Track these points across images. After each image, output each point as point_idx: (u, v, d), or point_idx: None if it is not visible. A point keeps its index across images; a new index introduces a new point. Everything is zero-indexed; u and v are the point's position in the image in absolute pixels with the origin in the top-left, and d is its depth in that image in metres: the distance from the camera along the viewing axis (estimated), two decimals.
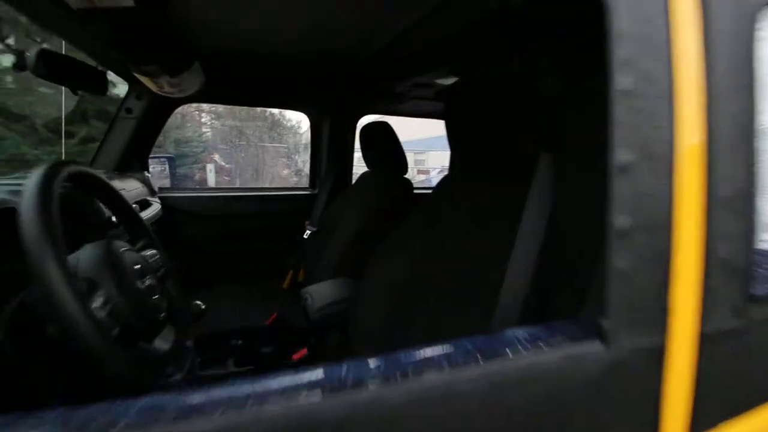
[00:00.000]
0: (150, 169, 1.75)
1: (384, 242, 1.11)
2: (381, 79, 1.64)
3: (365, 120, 1.83)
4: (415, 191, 1.58)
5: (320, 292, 1.26)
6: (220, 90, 1.70)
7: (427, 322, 0.86)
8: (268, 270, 1.96)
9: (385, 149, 1.57)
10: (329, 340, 1.19)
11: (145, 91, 1.55)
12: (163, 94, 1.44)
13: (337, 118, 1.98)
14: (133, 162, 1.66)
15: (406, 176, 1.61)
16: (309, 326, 1.16)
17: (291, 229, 2.00)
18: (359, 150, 1.79)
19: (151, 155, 1.77)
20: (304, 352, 1.16)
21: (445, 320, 0.81)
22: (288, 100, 1.94)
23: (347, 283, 1.35)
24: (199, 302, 1.13)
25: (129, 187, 1.45)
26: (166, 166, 1.87)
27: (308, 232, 1.88)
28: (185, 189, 1.88)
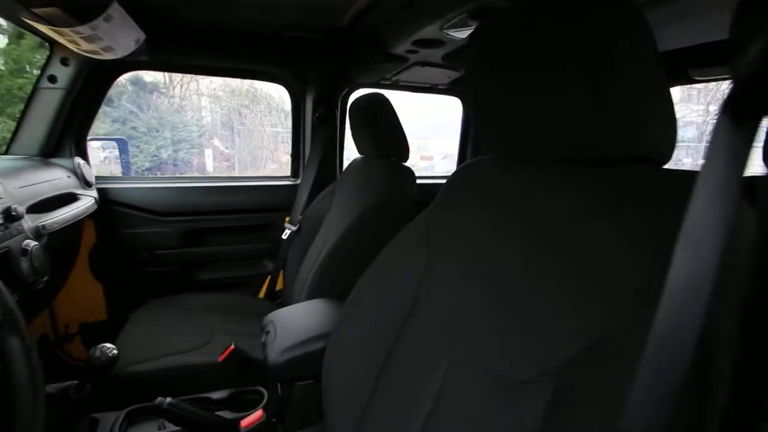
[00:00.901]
0: (95, 154, 1.43)
1: (379, 256, 0.77)
2: (373, 39, 1.27)
3: (356, 95, 1.46)
4: (419, 181, 1.23)
5: (287, 325, 0.93)
6: (172, 54, 1.34)
7: (434, 401, 0.53)
8: (240, 277, 1.64)
9: (381, 129, 1.21)
10: (295, 392, 0.87)
11: (72, 55, 1.21)
12: (83, 54, 1.10)
13: (322, 91, 1.61)
14: (65, 145, 1.33)
15: (406, 164, 1.26)
16: (269, 372, 0.84)
17: (269, 226, 1.67)
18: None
19: (93, 137, 1.44)
20: (258, 417, 0.84)
21: (472, 404, 0.48)
22: (261, 69, 1.58)
23: (328, 308, 1.02)
24: (110, 346, 0.82)
25: (49, 178, 1.13)
26: (116, 151, 1.54)
27: (288, 231, 1.55)
28: (135, 179, 1.55)
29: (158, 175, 1.51)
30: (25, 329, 0.53)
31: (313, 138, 1.65)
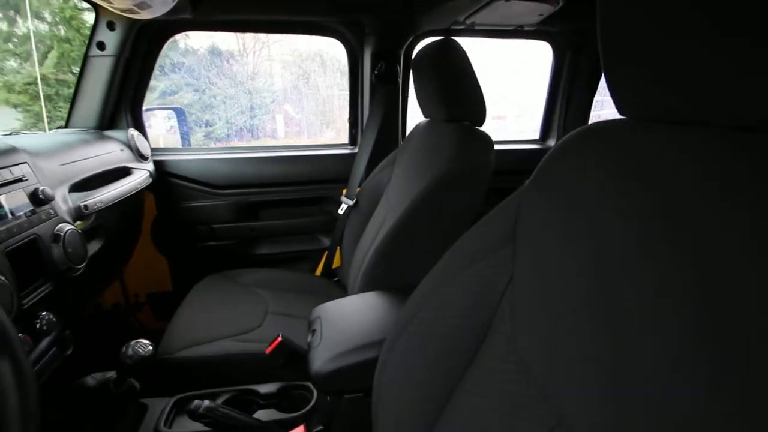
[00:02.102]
0: (161, 123, 1.39)
1: (449, 251, 0.58)
2: None
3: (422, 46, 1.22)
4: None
5: (336, 325, 0.79)
6: (217, 10, 1.21)
7: None
8: (296, 252, 1.55)
9: (452, 86, 0.98)
10: (342, 405, 0.75)
11: (117, 18, 1.13)
12: (122, 15, 1.00)
13: (381, 43, 1.38)
14: (120, 116, 1.30)
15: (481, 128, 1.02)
16: (312, 381, 0.72)
17: (325, 200, 1.55)
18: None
19: (150, 107, 1.40)
20: None
21: None
22: (313, 20, 1.39)
23: (384, 307, 0.87)
24: (144, 342, 0.75)
25: (99, 152, 1.09)
26: (174, 121, 1.49)
27: (344, 206, 1.40)
28: (191, 150, 1.50)
29: (214, 146, 1.44)
30: (21, 351, 0.44)
31: (372, 100, 1.45)
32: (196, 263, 1.46)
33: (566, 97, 1.67)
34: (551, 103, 1.74)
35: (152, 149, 1.33)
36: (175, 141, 1.60)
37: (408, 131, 1.57)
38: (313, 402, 0.90)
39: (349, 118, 1.56)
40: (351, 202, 1.38)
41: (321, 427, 0.85)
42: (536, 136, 1.81)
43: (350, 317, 0.83)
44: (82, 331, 0.87)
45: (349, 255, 1.35)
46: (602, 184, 0.37)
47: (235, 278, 1.33)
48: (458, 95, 0.99)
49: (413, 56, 1.13)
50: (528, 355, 0.41)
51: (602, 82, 1.60)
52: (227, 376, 0.96)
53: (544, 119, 1.76)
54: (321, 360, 0.72)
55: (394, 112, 1.48)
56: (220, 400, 0.89)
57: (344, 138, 1.62)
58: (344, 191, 1.49)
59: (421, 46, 1.07)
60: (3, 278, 0.59)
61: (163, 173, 1.36)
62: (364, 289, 0.97)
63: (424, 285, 0.62)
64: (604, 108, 1.96)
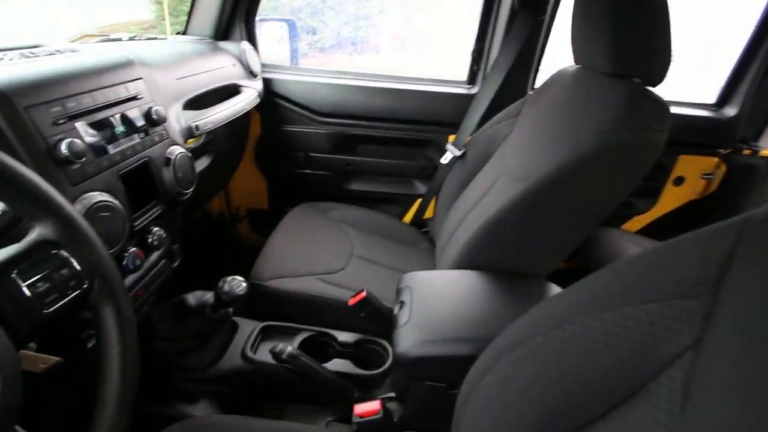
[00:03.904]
0: (274, 32, 1.32)
1: (606, 269, 0.43)
2: None
3: None
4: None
5: (428, 305, 0.71)
6: None
7: None
8: (387, 194, 1.47)
9: (631, 26, 0.73)
10: (422, 391, 0.70)
11: None
12: None
13: None
14: (235, 26, 1.24)
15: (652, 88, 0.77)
16: (395, 358, 0.67)
17: (428, 144, 1.40)
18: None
19: (262, 17, 1.32)
20: (374, 410, 0.69)
21: None
22: None
23: (489, 296, 0.76)
24: (239, 279, 0.76)
25: (213, 66, 1.06)
26: (286, 32, 1.40)
27: (449, 154, 1.25)
28: (299, 70, 1.41)
29: (323, 68, 1.33)
30: (125, 299, 0.42)
31: (509, 31, 1.19)
32: (291, 188, 1.47)
33: None
34: (746, 58, 1.29)
35: (261, 65, 1.28)
36: (283, 57, 1.53)
37: (538, 78, 1.31)
38: (388, 363, 0.88)
39: (473, 51, 1.32)
40: (458, 152, 1.22)
41: (393, 395, 0.83)
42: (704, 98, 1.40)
43: (445, 298, 0.74)
44: (189, 239, 0.92)
45: (444, 209, 1.23)
46: None
47: (326, 212, 1.32)
48: (635, 41, 0.74)
49: None
50: None
51: None
52: (309, 314, 0.98)
53: (730, 78, 1.33)
54: (408, 342, 0.66)
55: (532, 50, 1.21)
56: (300, 338, 0.91)
57: (456, 71, 1.39)
58: (452, 138, 1.32)
59: None
60: (117, 202, 0.59)
61: (270, 92, 1.31)
62: (462, 262, 0.86)
63: (551, 305, 0.48)
64: None
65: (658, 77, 0.75)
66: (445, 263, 0.97)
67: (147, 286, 0.75)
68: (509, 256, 0.83)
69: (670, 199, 1.45)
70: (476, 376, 0.51)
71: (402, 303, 0.75)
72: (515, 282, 0.80)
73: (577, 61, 0.90)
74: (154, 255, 0.76)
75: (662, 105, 0.74)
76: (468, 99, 1.30)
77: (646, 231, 1.50)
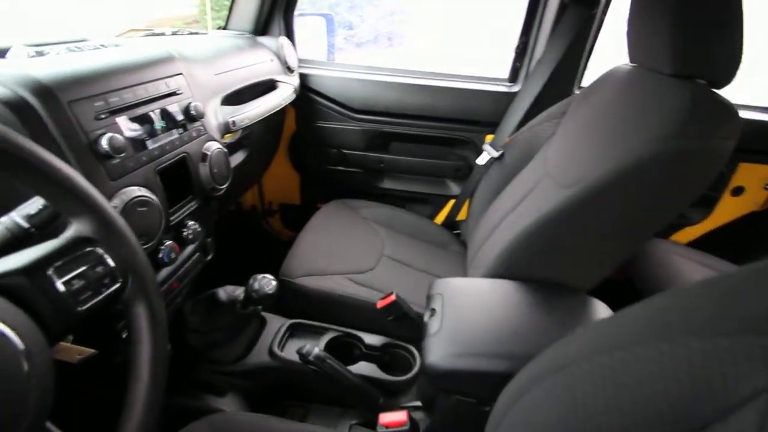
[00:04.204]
0: (297, 32, 1.31)
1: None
2: None
3: None
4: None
5: (461, 315, 0.68)
6: None
7: None
8: (419, 194, 1.44)
9: (698, 22, 0.66)
10: (451, 404, 0.67)
11: None
12: None
13: None
14: (274, 21, 1.24)
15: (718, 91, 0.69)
16: (423, 370, 0.64)
17: (464, 143, 1.36)
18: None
19: (301, 12, 1.31)
20: (401, 421, 0.66)
21: None
22: None
23: (527, 310, 0.72)
24: (269, 278, 0.76)
25: (252, 62, 1.06)
26: (323, 27, 1.39)
27: (485, 155, 1.21)
28: (334, 65, 1.40)
29: (357, 64, 1.30)
30: (157, 295, 0.42)
31: (556, 26, 1.12)
32: (323, 184, 1.47)
33: None
34: None
35: (298, 60, 1.27)
36: (320, 52, 1.52)
37: (585, 77, 1.23)
38: (415, 370, 0.86)
39: (516, 47, 1.26)
40: (495, 153, 1.17)
41: (419, 404, 0.81)
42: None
43: (479, 309, 0.71)
44: (222, 232, 0.93)
45: (478, 211, 1.19)
46: None
47: (357, 209, 1.31)
48: (702, 39, 0.67)
49: None
50: None
51: None
52: (337, 314, 0.97)
53: None
54: (438, 353, 0.63)
55: (581, 47, 1.14)
56: (326, 337, 0.90)
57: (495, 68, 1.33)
58: (489, 137, 1.27)
59: None
60: (154, 197, 0.60)
61: (305, 88, 1.31)
62: (496, 270, 0.82)
63: (601, 328, 0.44)
64: None
65: (726, 79, 0.68)
66: (478, 270, 0.94)
67: (181, 279, 0.76)
68: (549, 267, 0.79)
69: (727, 211, 1.34)
70: (512, 397, 0.47)
71: (433, 311, 0.72)
72: (555, 295, 0.75)
73: (632, 60, 0.83)
74: (189, 248, 0.77)
75: (730, 110, 0.67)
76: (508, 97, 1.24)
77: (698, 243, 1.39)
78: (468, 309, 0.71)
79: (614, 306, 0.77)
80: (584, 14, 1.08)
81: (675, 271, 1.21)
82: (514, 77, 1.30)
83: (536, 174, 0.97)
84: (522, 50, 1.25)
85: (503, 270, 0.82)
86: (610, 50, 1.23)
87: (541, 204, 0.84)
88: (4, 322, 0.30)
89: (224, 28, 1.22)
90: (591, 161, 0.75)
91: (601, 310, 0.73)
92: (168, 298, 0.74)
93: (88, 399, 0.67)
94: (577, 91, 1.20)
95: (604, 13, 1.13)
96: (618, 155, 0.69)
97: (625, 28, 0.81)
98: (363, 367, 0.86)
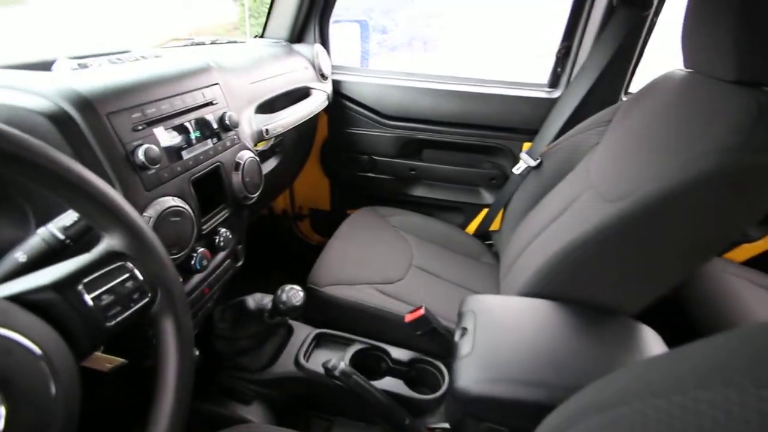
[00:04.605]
0: (332, 39, 1.31)
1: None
2: None
3: None
4: None
5: (494, 336, 0.65)
6: None
7: None
8: (450, 202, 1.40)
9: (763, 24, 0.60)
10: (477, 428, 0.63)
11: None
12: None
13: None
14: (309, 29, 1.25)
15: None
16: (451, 393, 0.61)
17: (499, 151, 1.31)
18: None
19: (336, 19, 1.31)
20: None
21: None
22: None
23: (567, 328, 0.67)
24: (296, 289, 0.75)
25: (287, 70, 1.07)
26: (358, 33, 1.39)
27: (522, 164, 1.16)
28: (367, 72, 1.39)
29: (391, 70, 1.29)
30: (185, 310, 0.42)
31: (603, 29, 1.06)
32: (354, 191, 1.46)
33: None
34: None
35: (332, 66, 1.27)
36: (353, 58, 1.52)
37: (633, 83, 1.15)
38: (443, 389, 0.82)
39: (558, 51, 1.20)
40: (533, 162, 1.12)
41: (447, 426, 0.77)
42: None
43: (514, 331, 0.66)
44: (252, 236, 0.93)
45: (512, 223, 1.14)
46: None
47: (386, 217, 1.29)
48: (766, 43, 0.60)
49: None
50: None
51: None
52: (363, 325, 0.95)
53: None
54: (470, 377, 0.60)
55: (630, 51, 1.06)
56: (352, 349, 0.88)
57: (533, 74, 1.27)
58: (527, 146, 1.22)
59: None
60: (188, 207, 0.60)
61: (337, 94, 1.31)
62: (533, 288, 0.78)
63: (656, 366, 0.39)
64: None
65: None
66: (513, 286, 0.89)
67: (211, 285, 0.77)
68: (592, 288, 0.73)
69: None
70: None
71: (464, 330, 0.69)
72: (598, 319, 0.70)
73: (688, 65, 0.77)
74: (220, 255, 0.78)
75: None
76: (548, 104, 1.18)
77: (756, 263, 1.27)
78: (502, 330, 0.67)
79: (658, 328, 0.70)
80: (635, 16, 1.01)
81: (730, 293, 1.11)
82: (554, 82, 1.24)
83: (578, 185, 0.91)
84: (564, 55, 1.19)
85: (540, 288, 0.77)
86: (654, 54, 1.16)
87: (584, 218, 0.78)
88: (34, 341, 0.30)
89: (261, 36, 1.24)
90: (642, 173, 0.69)
91: (650, 338, 0.67)
92: (198, 304, 0.75)
93: (116, 406, 0.69)
94: (624, 98, 1.13)
95: (657, 14, 1.05)
96: (675, 168, 0.63)
97: (679, 31, 0.74)
98: (389, 383, 0.83)
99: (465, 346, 0.65)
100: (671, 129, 0.71)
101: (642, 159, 0.73)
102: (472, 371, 0.60)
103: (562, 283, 0.75)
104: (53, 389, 0.29)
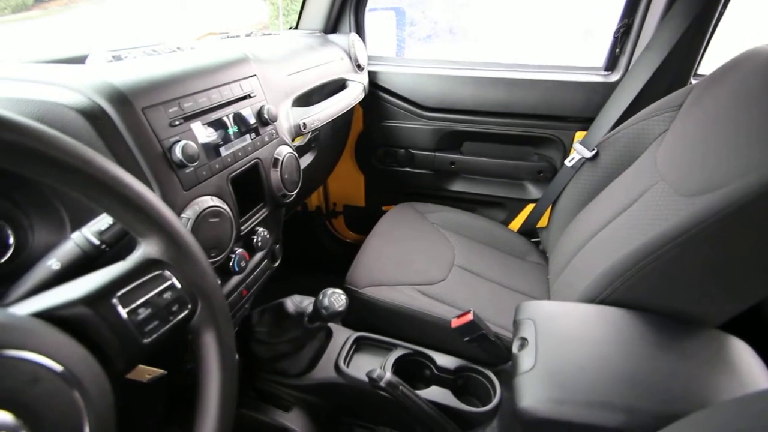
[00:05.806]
0: (368, 28, 1.26)
1: None
2: None
3: None
4: None
5: (560, 349, 0.57)
6: None
7: None
8: (493, 197, 1.32)
9: None
10: None
11: None
12: None
13: None
14: (345, 18, 1.20)
15: None
16: (515, 412, 0.54)
17: (549, 142, 1.21)
18: None
19: (371, 7, 1.25)
20: None
21: None
22: None
23: (645, 341, 0.59)
24: (339, 293, 0.70)
25: (323, 61, 1.02)
26: (393, 21, 1.33)
27: (576, 155, 1.06)
28: (403, 61, 1.32)
29: (429, 59, 1.22)
30: (227, 323, 0.38)
31: (672, 3, 0.94)
32: (389, 186, 1.41)
33: None
34: None
35: (367, 57, 1.22)
36: (389, 47, 1.45)
37: (703, 63, 1.03)
38: (495, 402, 0.76)
39: (616, 30, 1.09)
40: (588, 153, 1.02)
41: None
42: None
43: (583, 343, 0.59)
44: (287, 233, 0.90)
45: (563, 219, 1.05)
46: None
47: (425, 213, 1.22)
48: None
49: None
50: None
51: None
52: (405, 328, 0.90)
53: None
54: (535, 396, 0.53)
55: (704, 28, 0.94)
56: (395, 355, 0.83)
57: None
58: (580, 135, 1.12)
59: None
60: (226, 207, 0.57)
61: (374, 85, 1.25)
62: (598, 294, 0.69)
63: (758, 404, 0.31)
64: None
65: None
66: (570, 290, 0.81)
67: (249, 287, 0.74)
68: (670, 295, 0.64)
69: None
70: None
71: (524, 340, 0.62)
72: (681, 331, 0.61)
73: None
74: (258, 255, 0.75)
75: None
76: (605, 89, 1.08)
77: None
78: (569, 342, 0.59)
79: (741, 335, 0.61)
80: None
81: None
82: (612, 65, 1.13)
83: (645, 178, 0.82)
84: (624, 34, 1.08)
85: (607, 294, 0.69)
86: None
87: (658, 216, 0.69)
88: (64, 364, 0.26)
89: (296, 28, 1.20)
90: (728, 164, 0.60)
91: (745, 354, 0.58)
92: (237, 307, 0.72)
93: (154, 416, 0.67)
94: (693, 80, 1.01)
95: None
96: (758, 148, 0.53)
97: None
98: (435, 393, 0.78)
99: (526, 360, 0.58)
100: (763, 113, 0.61)
101: (725, 148, 0.63)
102: (538, 389, 0.53)
103: (633, 289, 0.67)
104: (86, 425, 0.25)
